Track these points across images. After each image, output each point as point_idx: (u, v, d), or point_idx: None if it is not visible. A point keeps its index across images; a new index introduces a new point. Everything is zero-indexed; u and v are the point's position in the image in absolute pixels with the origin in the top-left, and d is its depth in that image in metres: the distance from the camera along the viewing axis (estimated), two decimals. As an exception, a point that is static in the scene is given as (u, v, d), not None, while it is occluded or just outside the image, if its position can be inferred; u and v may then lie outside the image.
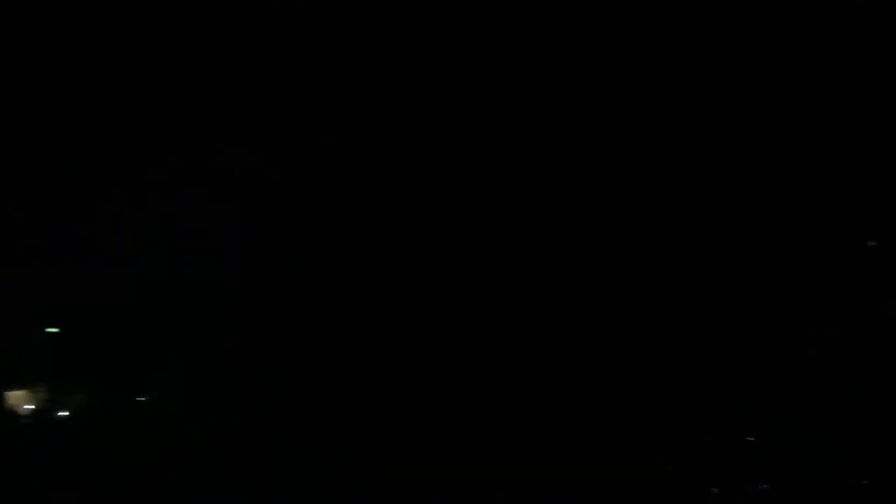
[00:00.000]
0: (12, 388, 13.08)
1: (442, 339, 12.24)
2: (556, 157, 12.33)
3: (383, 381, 12.23)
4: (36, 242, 12.25)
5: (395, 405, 12.14)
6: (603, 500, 11.63)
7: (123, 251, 12.42)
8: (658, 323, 12.10)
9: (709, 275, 12.10)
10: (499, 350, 12.21)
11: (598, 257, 12.29)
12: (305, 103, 12.45)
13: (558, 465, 11.82)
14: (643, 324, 12.12)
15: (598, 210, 12.29)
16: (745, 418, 11.68)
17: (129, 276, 12.59)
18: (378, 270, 12.52)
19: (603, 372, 12.12)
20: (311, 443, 12.12)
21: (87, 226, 12.41)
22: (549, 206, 12.34)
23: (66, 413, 13.09)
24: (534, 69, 12.26)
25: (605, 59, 12.08)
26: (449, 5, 12.10)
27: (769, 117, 11.92)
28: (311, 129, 12.53)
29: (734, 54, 11.83)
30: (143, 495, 12.30)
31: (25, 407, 13.24)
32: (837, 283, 11.69)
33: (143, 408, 13.02)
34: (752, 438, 11.63)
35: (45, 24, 11.82)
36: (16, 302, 12.34)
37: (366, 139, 12.53)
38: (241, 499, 12.21)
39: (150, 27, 12.02)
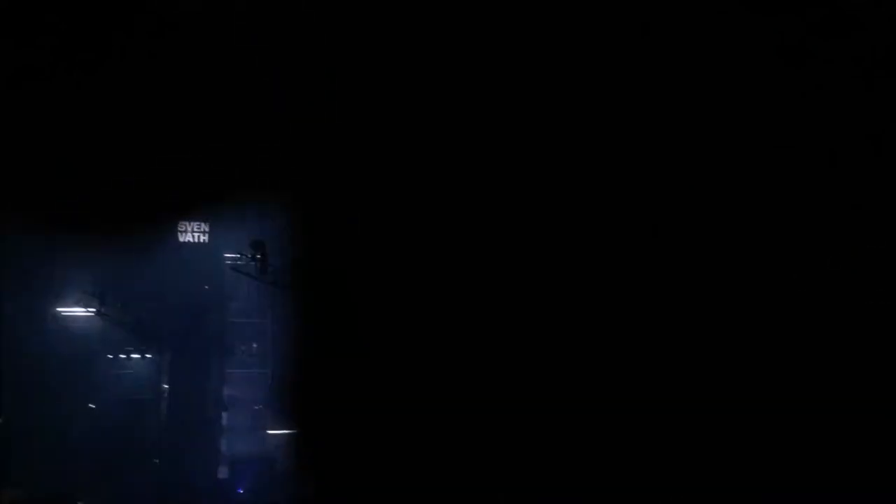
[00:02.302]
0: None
1: (441, 339, 12.25)
2: (555, 157, 12.34)
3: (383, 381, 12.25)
4: (35, 243, 12.28)
5: (396, 406, 12.16)
6: (602, 501, 11.65)
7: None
8: (658, 323, 12.12)
9: (709, 275, 12.10)
10: (498, 351, 12.23)
11: (598, 258, 12.30)
12: (306, 103, 12.46)
13: (558, 465, 11.84)
14: (643, 324, 12.14)
15: (597, 210, 12.29)
16: (745, 418, 11.69)
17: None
18: (378, 271, 12.54)
19: (603, 372, 12.13)
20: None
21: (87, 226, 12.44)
22: (547, 207, 12.35)
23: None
24: (534, 69, 12.27)
25: (605, 59, 12.09)
26: (449, 6, 12.13)
27: (769, 117, 11.93)
28: (312, 130, 12.56)
29: (734, 54, 11.84)
30: None
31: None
32: (837, 283, 11.71)
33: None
34: (751, 439, 11.65)
35: (45, 24, 11.85)
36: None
37: (366, 140, 12.55)
38: None
39: (150, 27, 12.04)
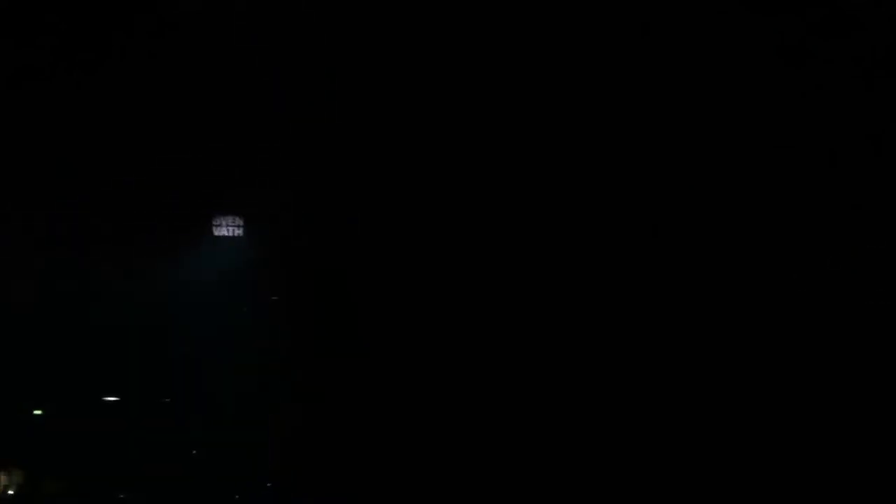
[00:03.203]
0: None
1: (440, 342, 12.25)
2: (555, 157, 12.34)
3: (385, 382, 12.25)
4: (35, 245, 12.27)
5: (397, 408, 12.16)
6: (603, 501, 11.64)
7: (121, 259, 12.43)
8: (657, 323, 12.11)
9: (708, 275, 12.10)
10: (498, 351, 12.23)
11: (598, 258, 12.29)
12: (307, 104, 12.46)
13: (557, 467, 11.83)
14: (643, 324, 12.13)
15: (597, 210, 12.29)
16: (744, 418, 11.69)
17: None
18: (378, 271, 12.54)
19: (604, 372, 12.13)
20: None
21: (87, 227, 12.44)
22: (547, 207, 12.35)
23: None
24: (534, 69, 12.27)
25: (605, 59, 12.08)
26: (449, 6, 12.13)
27: (769, 117, 11.92)
28: (313, 130, 12.56)
29: (734, 54, 11.83)
30: None
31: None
32: (837, 283, 11.70)
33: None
34: (751, 438, 11.65)
35: (45, 24, 11.84)
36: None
37: (367, 140, 12.55)
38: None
39: (150, 27, 12.04)
